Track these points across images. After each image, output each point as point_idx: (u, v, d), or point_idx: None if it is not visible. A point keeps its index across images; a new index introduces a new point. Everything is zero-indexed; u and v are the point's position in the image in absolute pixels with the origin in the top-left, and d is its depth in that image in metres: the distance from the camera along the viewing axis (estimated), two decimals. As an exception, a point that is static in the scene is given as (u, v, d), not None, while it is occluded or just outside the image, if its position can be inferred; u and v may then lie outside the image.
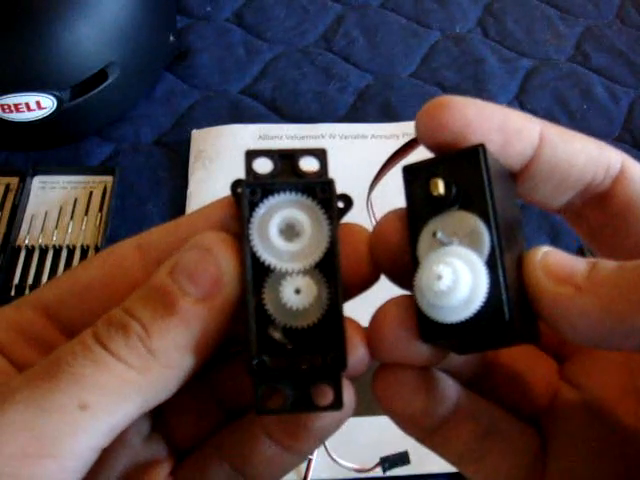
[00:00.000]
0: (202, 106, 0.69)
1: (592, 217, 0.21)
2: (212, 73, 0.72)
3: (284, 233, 0.19)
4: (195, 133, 0.65)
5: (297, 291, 0.18)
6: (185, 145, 0.65)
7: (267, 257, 0.18)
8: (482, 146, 0.18)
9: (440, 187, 0.18)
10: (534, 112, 0.69)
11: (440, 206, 0.18)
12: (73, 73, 0.59)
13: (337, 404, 0.19)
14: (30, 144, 0.64)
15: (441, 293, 0.17)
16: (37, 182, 0.61)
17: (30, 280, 0.55)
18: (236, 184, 0.19)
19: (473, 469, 0.22)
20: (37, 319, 0.21)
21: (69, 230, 0.58)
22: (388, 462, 0.45)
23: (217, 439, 0.22)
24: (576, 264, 0.17)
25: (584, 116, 0.70)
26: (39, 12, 0.58)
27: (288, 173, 0.19)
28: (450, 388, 0.21)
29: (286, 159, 0.19)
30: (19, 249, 0.57)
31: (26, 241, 0.57)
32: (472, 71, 0.73)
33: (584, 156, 0.20)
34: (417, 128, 0.19)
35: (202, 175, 0.62)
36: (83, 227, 0.58)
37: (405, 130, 0.66)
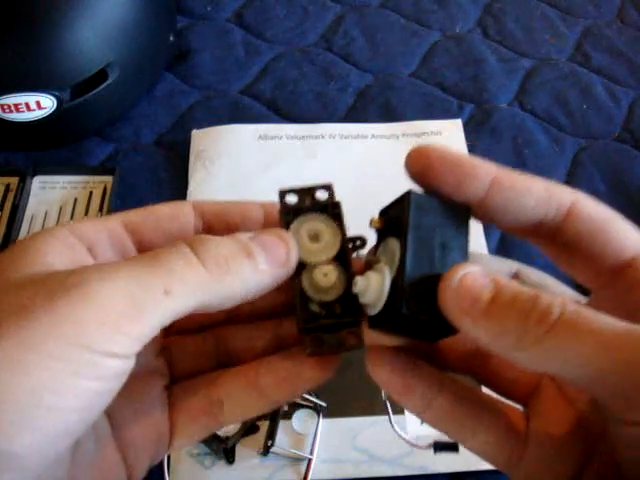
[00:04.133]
0: (202, 106, 0.69)
1: (551, 246, 0.25)
2: (212, 73, 0.72)
3: (311, 238, 0.27)
4: (195, 133, 0.65)
5: (325, 275, 0.26)
6: (185, 145, 0.65)
7: (302, 255, 0.27)
8: (408, 192, 0.24)
9: (376, 222, 0.26)
10: (534, 112, 0.69)
11: (383, 234, 0.26)
12: (73, 73, 0.60)
13: (360, 344, 0.26)
14: (30, 144, 0.64)
15: (359, 293, 0.25)
16: (37, 182, 0.61)
17: (30, 280, 0.55)
18: (282, 193, 0.28)
19: (469, 445, 0.27)
20: (121, 230, 0.26)
21: (69, 230, 0.58)
22: (440, 446, 0.46)
23: (211, 375, 0.28)
24: (480, 294, 0.22)
25: (584, 116, 0.70)
26: (39, 12, 0.58)
27: (310, 200, 0.28)
28: (429, 370, 0.26)
29: (306, 192, 0.28)
30: (19, 249, 0.57)
31: (26, 241, 0.57)
32: (472, 71, 0.73)
33: (534, 199, 0.24)
34: (405, 165, 0.25)
35: (202, 175, 0.62)
36: (83, 227, 0.58)
37: (405, 130, 0.66)
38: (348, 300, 0.26)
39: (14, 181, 0.61)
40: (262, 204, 0.28)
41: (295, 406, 0.49)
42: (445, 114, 0.69)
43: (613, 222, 0.24)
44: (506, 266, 0.28)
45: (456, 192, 0.24)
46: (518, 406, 0.28)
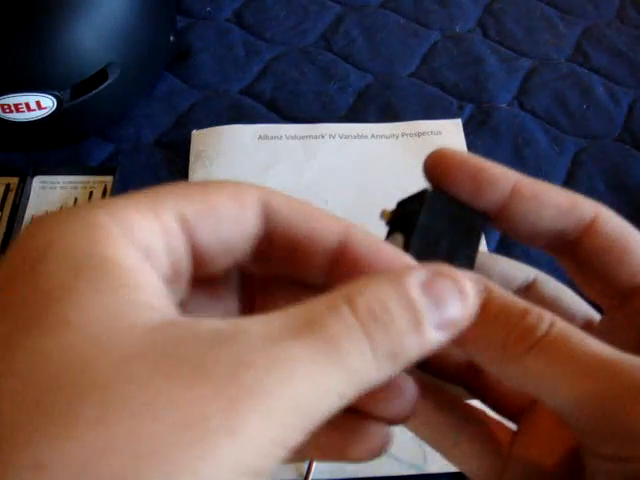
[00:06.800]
0: (202, 106, 0.69)
1: (569, 260, 0.24)
2: (212, 73, 0.72)
3: None
4: (195, 133, 0.65)
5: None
6: (185, 145, 0.65)
7: None
8: (424, 190, 0.24)
9: (386, 215, 0.25)
10: (534, 112, 0.69)
11: (393, 227, 0.25)
12: (73, 73, 0.59)
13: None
14: (30, 144, 0.64)
15: None
16: (37, 182, 0.61)
17: (30, 280, 0.55)
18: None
19: (449, 456, 0.25)
20: (177, 231, 0.19)
21: (69, 230, 0.58)
22: None
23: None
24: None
25: (584, 116, 0.70)
26: (39, 12, 0.58)
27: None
28: (411, 383, 0.23)
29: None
30: (19, 249, 0.57)
31: (26, 241, 0.57)
32: (472, 71, 0.73)
33: (555, 210, 0.23)
34: (423, 168, 0.24)
35: (202, 175, 0.62)
36: (83, 227, 0.58)
37: (405, 130, 0.66)
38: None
39: (14, 181, 0.61)
40: (344, 225, 0.22)
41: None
42: (445, 114, 0.69)
43: (633, 241, 0.22)
44: (523, 273, 0.26)
45: (474, 199, 0.23)
46: (510, 423, 0.26)
